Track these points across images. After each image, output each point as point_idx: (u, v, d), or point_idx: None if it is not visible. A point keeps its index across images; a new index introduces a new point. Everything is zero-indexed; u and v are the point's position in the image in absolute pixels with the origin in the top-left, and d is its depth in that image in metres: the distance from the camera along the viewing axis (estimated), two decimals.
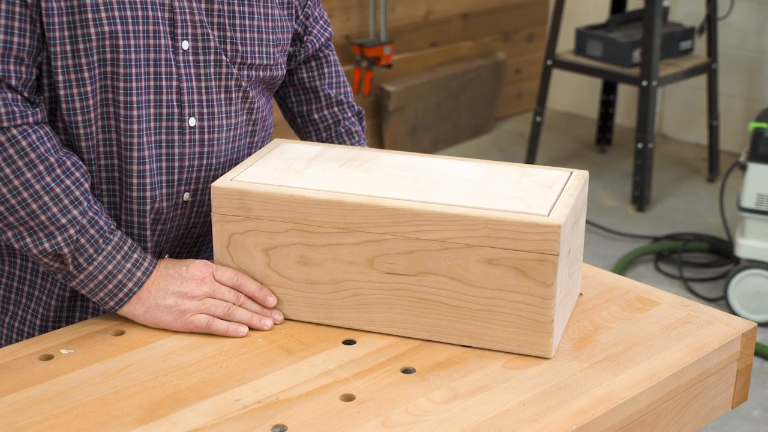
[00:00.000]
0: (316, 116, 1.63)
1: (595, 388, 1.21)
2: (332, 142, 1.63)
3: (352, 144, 1.63)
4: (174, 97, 1.37)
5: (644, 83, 3.98)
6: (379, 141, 4.51)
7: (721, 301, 3.35)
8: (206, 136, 1.41)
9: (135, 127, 1.34)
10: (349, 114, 1.64)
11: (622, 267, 3.58)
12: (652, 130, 4.02)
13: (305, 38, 1.59)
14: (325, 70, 1.64)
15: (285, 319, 1.37)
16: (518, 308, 1.26)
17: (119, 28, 1.30)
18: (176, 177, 1.41)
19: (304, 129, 1.65)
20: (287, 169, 1.38)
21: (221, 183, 1.34)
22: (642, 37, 3.99)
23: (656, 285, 3.41)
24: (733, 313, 3.23)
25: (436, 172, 1.38)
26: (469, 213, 1.25)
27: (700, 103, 4.70)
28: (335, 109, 1.63)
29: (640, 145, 4.02)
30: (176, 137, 1.39)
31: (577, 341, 1.31)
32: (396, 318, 1.32)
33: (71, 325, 1.38)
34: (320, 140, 1.64)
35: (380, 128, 4.50)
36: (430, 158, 1.44)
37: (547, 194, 1.30)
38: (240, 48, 1.42)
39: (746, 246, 3.30)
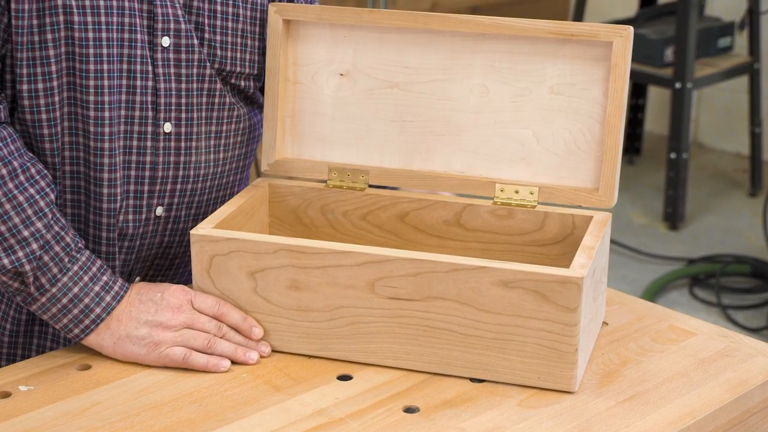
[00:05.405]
0: None
1: (623, 430, 1.21)
2: None
3: None
4: (149, 98, 1.37)
5: (678, 85, 3.99)
6: None
7: (765, 332, 3.35)
8: (183, 144, 1.41)
9: (107, 130, 1.35)
10: None
11: (653, 293, 3.58)
12: (686, 138, 4.03)
13: None
14: None
15: (273, 351, 1.37)
16: (538, 336, 1.27)
17: (89, 19, 1.31)
18: (146, 188, 1.41)
19: None
20: None
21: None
22: (675, 33, 4.01)
23: (691, 313, 3.40)
24: None
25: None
26: None
27: (740, 108, 4.71)
28: None
29: (673, 156, 4.03)
30: (149, 144, 1.39)
31: (602, 376, 1.32)
32: (399, 349, 1.32)
33: (31, 358, 1.38)
34: None
35: None
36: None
37: None
38: (219, 52, 1.42)
39: None
